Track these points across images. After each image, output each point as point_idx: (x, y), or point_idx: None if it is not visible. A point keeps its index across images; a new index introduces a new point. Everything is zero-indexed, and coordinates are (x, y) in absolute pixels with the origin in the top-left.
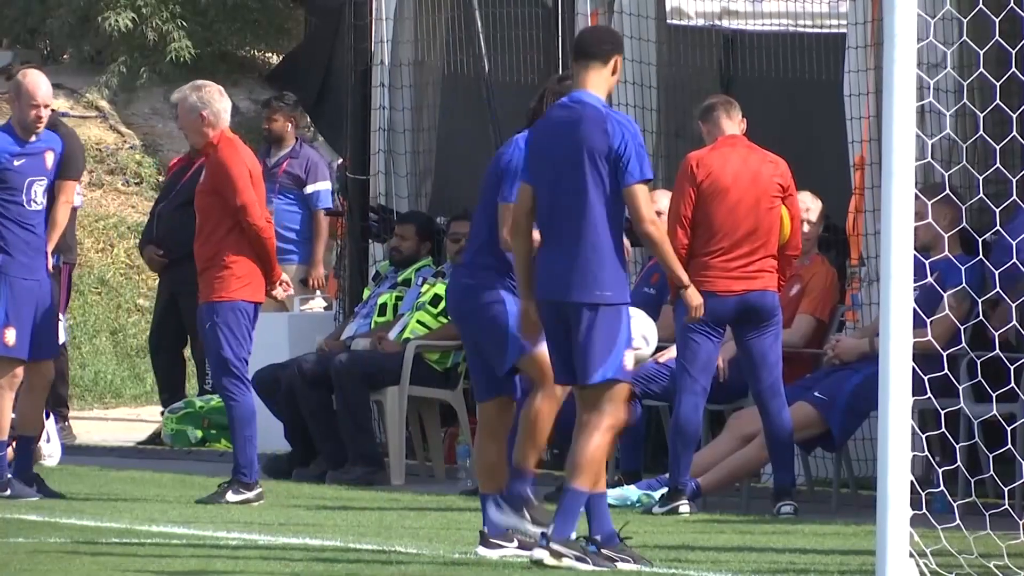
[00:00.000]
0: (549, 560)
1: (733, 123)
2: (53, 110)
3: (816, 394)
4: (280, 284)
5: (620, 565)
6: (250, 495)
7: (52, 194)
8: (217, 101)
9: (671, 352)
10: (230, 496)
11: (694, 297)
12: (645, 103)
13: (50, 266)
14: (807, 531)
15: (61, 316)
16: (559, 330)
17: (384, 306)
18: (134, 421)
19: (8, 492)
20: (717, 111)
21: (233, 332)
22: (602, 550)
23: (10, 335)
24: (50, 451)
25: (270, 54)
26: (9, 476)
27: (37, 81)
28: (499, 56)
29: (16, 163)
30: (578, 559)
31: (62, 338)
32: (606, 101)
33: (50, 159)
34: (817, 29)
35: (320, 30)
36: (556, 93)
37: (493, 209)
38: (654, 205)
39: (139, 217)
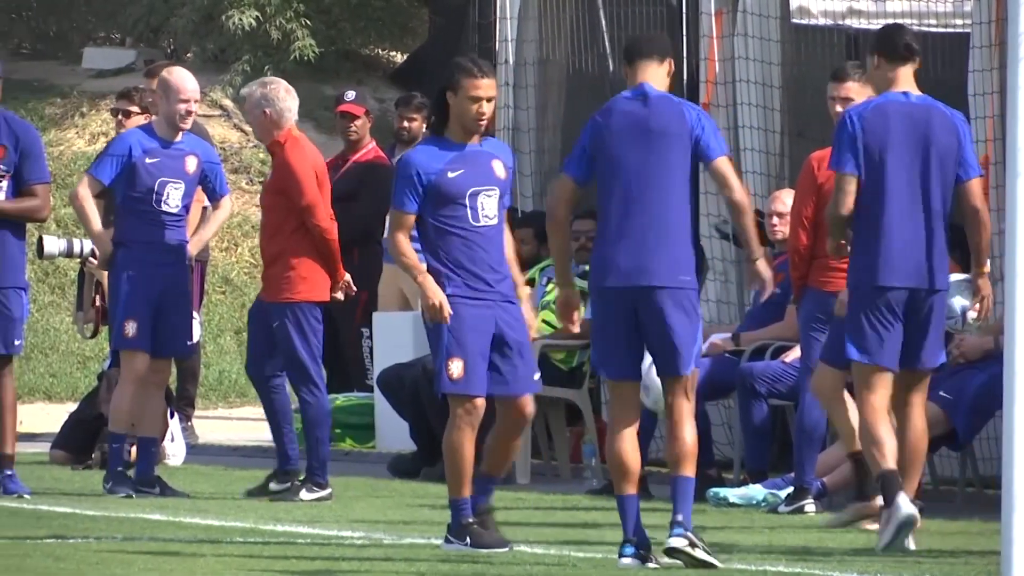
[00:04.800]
0: (686, 547)
1: None
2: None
3: (941, 393)
4: (342, 286)
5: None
6: (323, 493)
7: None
8: (281, 100)
9: (796, 352)
10: (304, 494)
11: (764, 270)
12: (768, 103)
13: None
14: (932, 530)
15: (195, 314)
16: (629, 320)
17: None
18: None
19: (109, 485)
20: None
21: (303, 333)
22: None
23: (130, 327)
24: (174, 451)
25: (394, 53)
26: (119, 469)
27: (184, 76)
28: (623, 55)
29: (148, 161)
30: (705, 550)
31: (196, 335)
32: None
33: (191, 164)
34: (942, 28)
35: (444, 29)
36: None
37: None
38: (778, 203)
39: None
